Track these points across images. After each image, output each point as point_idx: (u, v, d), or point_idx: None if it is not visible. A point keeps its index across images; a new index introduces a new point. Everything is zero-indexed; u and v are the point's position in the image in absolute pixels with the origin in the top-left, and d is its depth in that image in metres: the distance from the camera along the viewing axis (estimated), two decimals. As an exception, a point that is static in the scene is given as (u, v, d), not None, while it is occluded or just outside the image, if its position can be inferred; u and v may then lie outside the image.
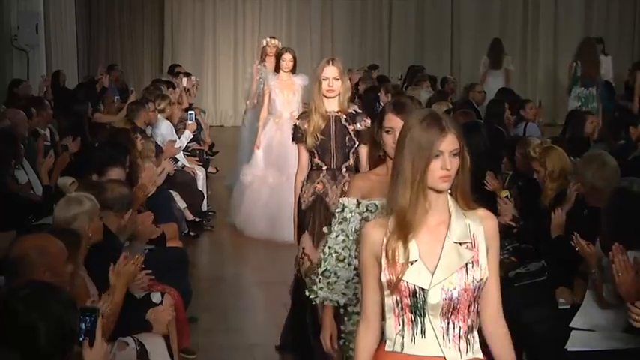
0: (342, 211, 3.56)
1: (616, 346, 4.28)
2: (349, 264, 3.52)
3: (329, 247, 3.56)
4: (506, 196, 6.06)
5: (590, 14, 17.56)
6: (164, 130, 8.96)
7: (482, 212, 2.73)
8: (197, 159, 9.83)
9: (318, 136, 5.05)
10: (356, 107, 5.38)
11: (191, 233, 8.34)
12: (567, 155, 5.80)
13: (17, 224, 5.34)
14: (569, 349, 4.34)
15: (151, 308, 4.72)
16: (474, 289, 2.63)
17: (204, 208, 9.10)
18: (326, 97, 5.08)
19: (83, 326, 3.01)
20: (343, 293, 3.55)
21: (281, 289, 6.94)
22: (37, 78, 11.53)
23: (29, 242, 3.75)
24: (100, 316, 3.08)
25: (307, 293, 3.63)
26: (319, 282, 3.56)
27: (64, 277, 3.69)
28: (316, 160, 5.12)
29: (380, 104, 9.86)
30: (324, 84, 5.05)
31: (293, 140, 5.21)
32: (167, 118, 9.17)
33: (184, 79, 11.83)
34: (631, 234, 4.18)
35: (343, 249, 3.53)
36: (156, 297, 4.92)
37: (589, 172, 5.02)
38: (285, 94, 8.70)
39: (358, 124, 5.09)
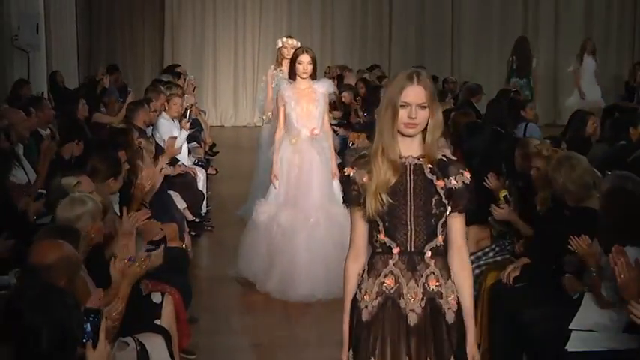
0: None
1: (616, 346, 4.30)
2: None
3: None
4: (505, 196, 6.05)
5: (590, 14, 17.56)
6: (162, 129, 8.94)
7: None
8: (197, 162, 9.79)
9: (385, 198, 3.11)
10: (447, 151, 3.62)
11: (192, 233, 8.34)
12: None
13: (15, 224, 5.35)
14: (569, 350, 4.35)
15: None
16: None
17: (204, 208, 9.10)
18: (402, 134, 3.15)
19: (87, 327, 3.01)
20: None
21: (281, 290, 6.95)
22: (37, 78, 11.54)
23: (53, 251, 3.64)
24: (104, 318, 3.09)
25: None
26: None
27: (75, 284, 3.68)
28: (382, 236, 3.16)
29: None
30: (403, 114, 3.11)
31: (345, 202, 3.28)
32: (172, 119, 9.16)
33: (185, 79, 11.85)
34: (629, 232, 4.21)
35: None
36: (156, 297, 4.92)
37: (559, 177, 5.00)
38: (304, 107, 6.83)
39: (452, 179, 3.16)
